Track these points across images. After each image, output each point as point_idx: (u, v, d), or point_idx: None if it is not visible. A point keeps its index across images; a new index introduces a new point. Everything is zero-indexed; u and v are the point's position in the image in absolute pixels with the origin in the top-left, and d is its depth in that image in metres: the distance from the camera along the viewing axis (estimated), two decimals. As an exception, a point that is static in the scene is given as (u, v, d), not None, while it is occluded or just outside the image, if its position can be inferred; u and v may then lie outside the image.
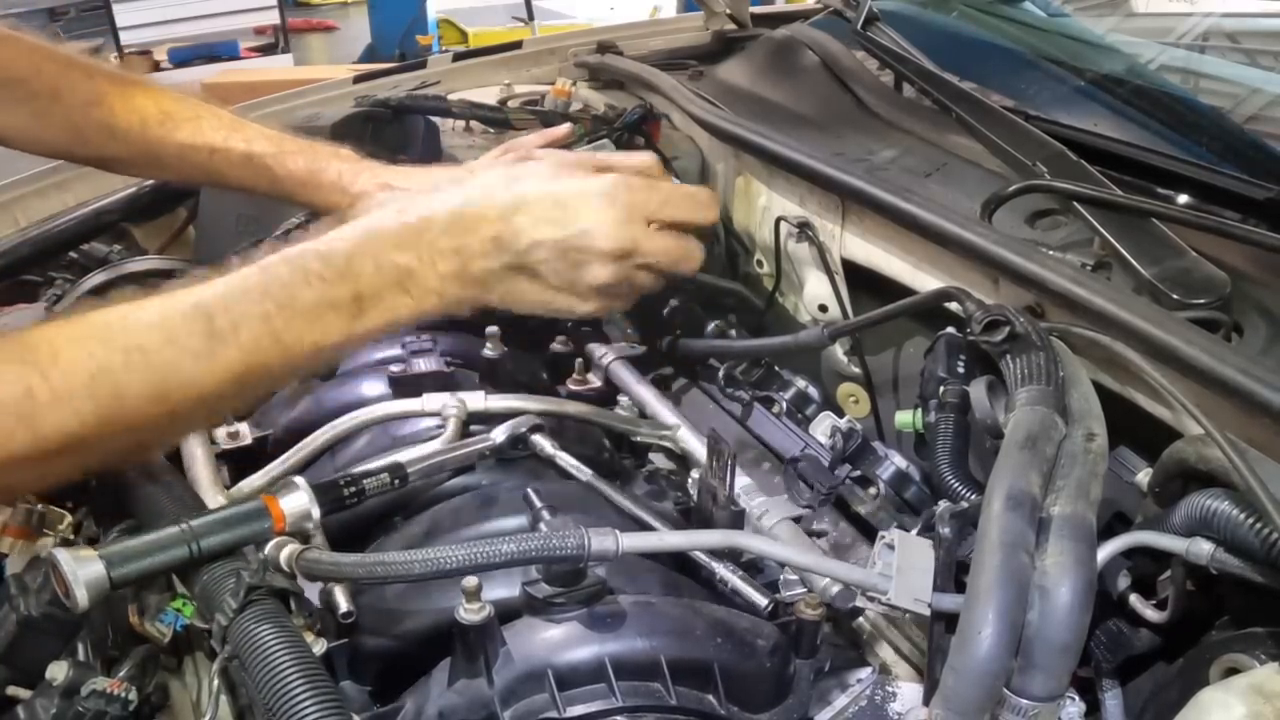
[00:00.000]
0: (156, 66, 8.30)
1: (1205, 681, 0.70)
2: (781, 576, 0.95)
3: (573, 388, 1.21)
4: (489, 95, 1.88)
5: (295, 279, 0.78)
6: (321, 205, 1.19)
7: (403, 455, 0.95)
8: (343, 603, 0.82)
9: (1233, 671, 0.69)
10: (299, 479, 0.84)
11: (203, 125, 1.19)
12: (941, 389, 1.00)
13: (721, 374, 1.28)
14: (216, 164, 1.19)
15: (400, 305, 0.82)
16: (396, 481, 0.92)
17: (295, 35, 9.51)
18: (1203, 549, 0.73)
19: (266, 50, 8.65)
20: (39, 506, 0.92)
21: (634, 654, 0.75)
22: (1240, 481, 0.70)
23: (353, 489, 0.88)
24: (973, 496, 0.89)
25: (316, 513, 0.82)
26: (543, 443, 1.02)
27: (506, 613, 0.75)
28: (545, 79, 2.01)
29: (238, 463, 1.08)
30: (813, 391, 1.29)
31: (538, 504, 0.88)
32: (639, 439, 1.16)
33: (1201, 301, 1.00)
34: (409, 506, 0.99)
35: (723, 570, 0.88)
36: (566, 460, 1.01)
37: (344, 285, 0.80)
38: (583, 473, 1.00)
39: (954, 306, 1.01)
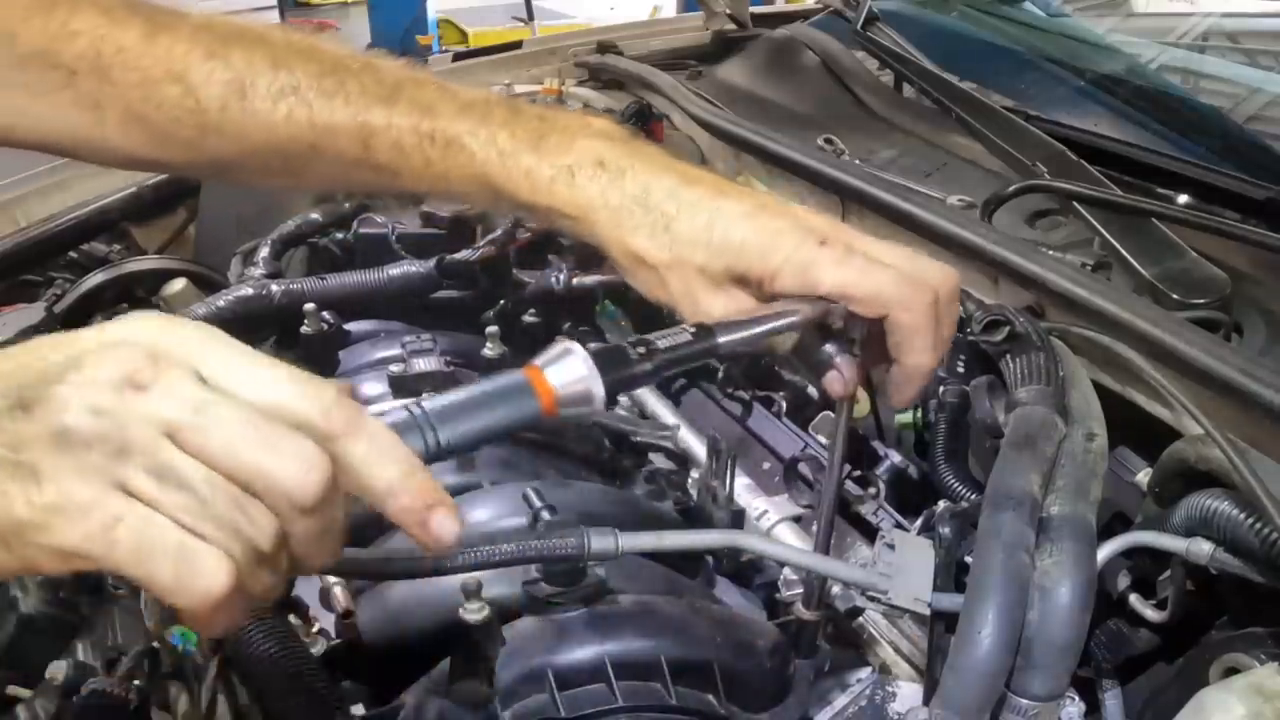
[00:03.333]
0: (156, 66, 8.30)
1: (1205, 681, 0.70)
2: (781, 576, 0.95)
3: (573, 387, 1.20)
4: (489, 95, 1.87)
5: None
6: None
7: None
8: (342, 601, 0.82)
9: (1233, 671, 0.69)
10: (570, 342, 0.58)
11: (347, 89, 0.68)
12: (941, 389, 1.00)
13: (721, 374, 1.28)
14: (389, 158, 0.69)
15: None
16: (700, 345, 0.63)
17: (295, 35, 9.50)
18: (1203, 549, 0.73)
19: (266, 50, 8.64)
20: None
21: (634, 654, 0.75)
22: (1240, 481, 0.70)
23: (641, 349, 0.61)
24: (973, 496, 0.90)
25: (599, 388, 0.57)
26: None
27: (506, 612, 0.75)
28: (545, 79, 2.00)
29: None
30: (813, 391, 1.29)
31: (537, 504, 0.88)
32: (639, 439, 1.16)
33: (1201, 301, 1.00)
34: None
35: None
36: None
37: None
38: None
39: (954, 306, 1.01)
